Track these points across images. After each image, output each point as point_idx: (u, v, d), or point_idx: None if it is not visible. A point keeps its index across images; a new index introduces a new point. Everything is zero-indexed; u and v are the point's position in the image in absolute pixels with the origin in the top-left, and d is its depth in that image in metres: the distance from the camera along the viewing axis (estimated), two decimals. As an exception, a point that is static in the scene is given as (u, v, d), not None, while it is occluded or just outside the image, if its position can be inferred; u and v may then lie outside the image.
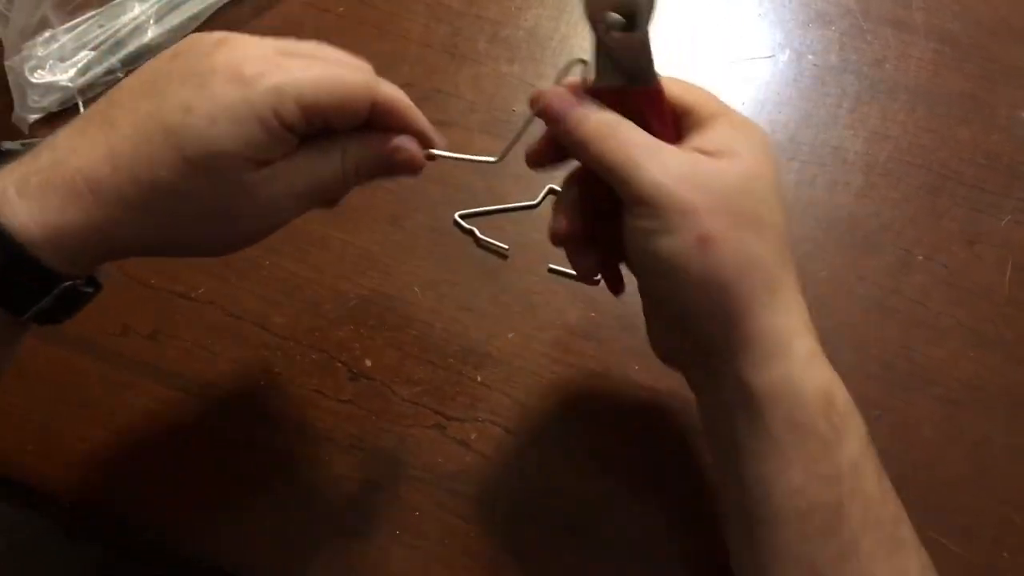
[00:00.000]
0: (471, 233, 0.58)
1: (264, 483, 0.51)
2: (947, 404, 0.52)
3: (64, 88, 0.63)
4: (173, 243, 0.39)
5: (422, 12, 0.67)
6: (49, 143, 0.37)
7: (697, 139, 0.39)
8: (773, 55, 0.65)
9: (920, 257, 0.57)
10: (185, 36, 0.64)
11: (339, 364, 0.54)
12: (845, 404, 0.38)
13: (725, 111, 0.41)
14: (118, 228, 0.36)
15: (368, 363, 0.54)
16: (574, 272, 0.55)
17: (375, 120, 0.39)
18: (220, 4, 0.66)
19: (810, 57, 0.65)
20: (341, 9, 0.67)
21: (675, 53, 0.65)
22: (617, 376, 0.53)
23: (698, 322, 0.39)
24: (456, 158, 0.43)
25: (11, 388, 0.52)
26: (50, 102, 0.62)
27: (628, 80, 0.39)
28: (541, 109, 0.40)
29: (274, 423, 0.53)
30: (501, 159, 0.43)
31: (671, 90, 0.41)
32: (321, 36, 0.65)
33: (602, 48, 0.38)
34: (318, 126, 0.37)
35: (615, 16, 0.37)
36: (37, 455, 0.51)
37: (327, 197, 0.41)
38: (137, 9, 0.65)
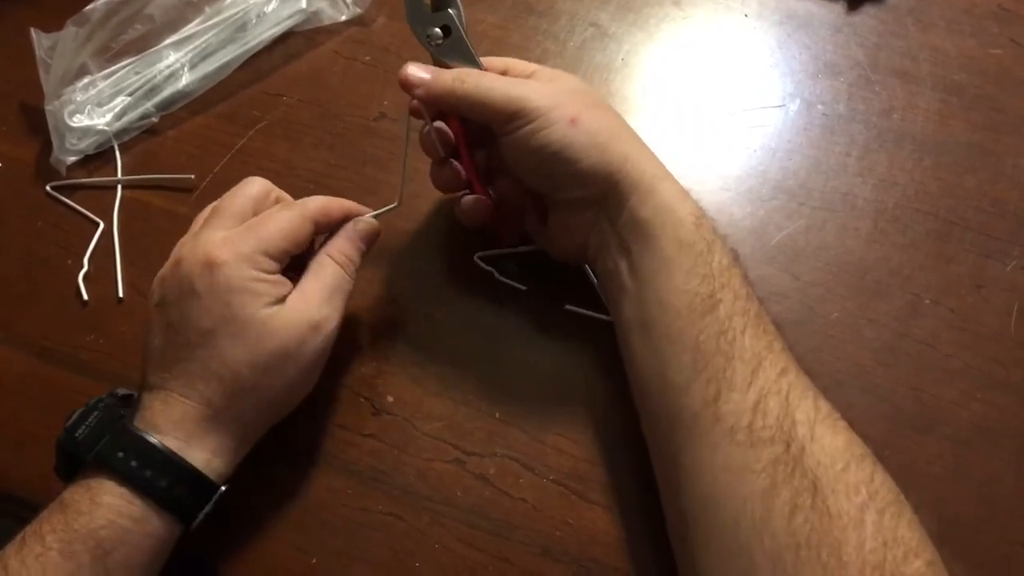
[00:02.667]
0: (490, 273, 0.60)
1: (285, 514, 0.52)
2: (956, 444, 0.53)
3: (101, 132, 0.65)
4: (276, 388, 0.49)
5: (445, 61, 0.69)
6: (150, 399, 0.47)
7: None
8: (784, 104, 0.67)
9: (928, 301, 0.58)
10: (218, 83, 0.68)
11: (362, 400, 0.56)
12: (713, 224, 0.49)
13: (539, 69, 0.54)
14: (240, 421, 0.48)
15: (390, 399, 0.56)
16: (589, 311, 0.57)
17: (321, 229, 0.53)
18: (252, 53, 0.69)
19: (819, 107, 0.67)
20: (367, 58, 0.70)
21: (689, 99, 0.67)
22: (636, 410, 0.55)
23: (594, 182, 0.50)
24: (376, 214, 0.55)
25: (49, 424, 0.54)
26: (87, 145, 0.65)
27: None
28: (402, 83, 0.52)
29: (297, 456, 0.54)
30: (399, 203, 0.56)
31: (493, 64, 0.54)
32: (348, 84, 0.68)
33: (435, 58, 0.53)
34: (288, 253, 0.50)
35: (435, 30, 0.52)
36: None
37: (347, 291, 0.52)
38: (172, 57, 0.68)
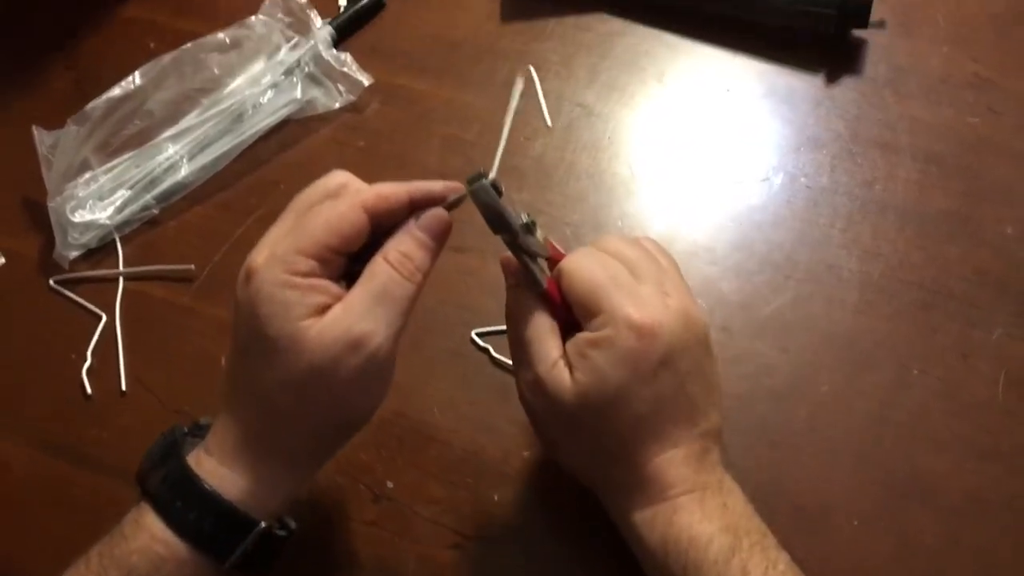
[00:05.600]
0: (486, 351, 0.61)
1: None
2: (948, 514, 0.54)
3: (103, 226, 0.67)
4: (316, 415, 0.44)
5: (437, 145, 0.71)
6: (219, 428, 0.45)
7: (587, 328, 0.46)
8: (768, 178, 0.68)
9: (916, 371, 0.59)
10: (216, 173, 0.69)
11: (362, 486, 0.56)
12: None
13: (608, 308, 0.45)
14: (284, 447, 0.44)
15: (390, 485, 0.56)
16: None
17: (383, 219, 0.44)
18: (249, 143, 0.71)
19: (803, 179, 0.68)
20: (361, 143, 0.72)
21: (675, 175, 0.69)
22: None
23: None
24: (459, 197, 0.45)
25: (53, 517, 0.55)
26: (89, 239, 0.67)
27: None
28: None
29: (298, 545, 0.54)
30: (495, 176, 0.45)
31: (577, 274, 0.47)
32: (343, 168, 0.69)
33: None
34: (332, 249, 0.42)
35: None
36: None
37: (403, 299, 0.44)
38: (171, 149, 0.70)
